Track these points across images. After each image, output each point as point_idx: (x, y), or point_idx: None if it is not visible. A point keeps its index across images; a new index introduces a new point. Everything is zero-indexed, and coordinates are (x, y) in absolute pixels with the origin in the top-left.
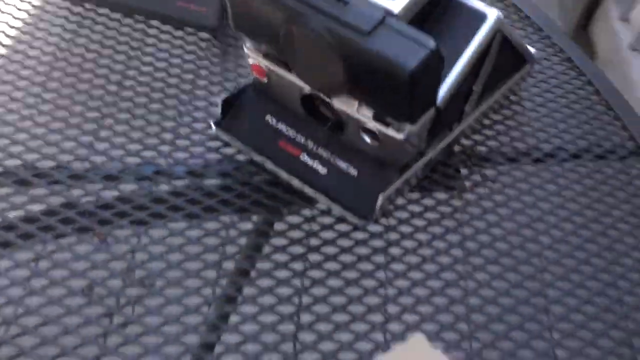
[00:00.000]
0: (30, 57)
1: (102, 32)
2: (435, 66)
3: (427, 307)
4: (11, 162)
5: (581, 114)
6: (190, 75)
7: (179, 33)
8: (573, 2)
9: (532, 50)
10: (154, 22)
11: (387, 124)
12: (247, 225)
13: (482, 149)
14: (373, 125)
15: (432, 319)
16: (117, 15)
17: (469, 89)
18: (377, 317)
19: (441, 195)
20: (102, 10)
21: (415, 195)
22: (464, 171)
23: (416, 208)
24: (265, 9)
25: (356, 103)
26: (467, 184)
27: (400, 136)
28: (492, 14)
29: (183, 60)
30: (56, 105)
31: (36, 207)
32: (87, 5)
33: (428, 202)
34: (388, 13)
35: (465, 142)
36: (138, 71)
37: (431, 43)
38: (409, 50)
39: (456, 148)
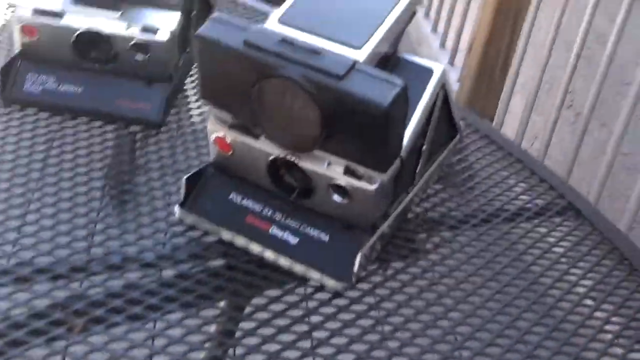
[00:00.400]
0: None
1: (46, 134)
2: (405, 104)
3: None
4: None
5: (509, 179)
6: (144, 165)
7: (124, 131)
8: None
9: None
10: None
11: (358, 177)
12: (222, 304)
13: (434, 214)
14: (344, 180)
15: None
16: (57, 119)
17: (420, 148)
18: None
19: (407, 259)
20: (43, 115)
21: (383, 257)
22: (421, 235)
23: (388, 272)
24: (237, 68)
25: (326, 160)
26: (429, 246)
27: (372, 187)
28: (439, 68)
29: (134, 155)
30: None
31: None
32: (29, 111)
33: (396, 265)
34: (356, 61)
35: (416, 209)
36: (89, 167)
37: (400, 82)
38: (382, 89)
39: (409, 215)
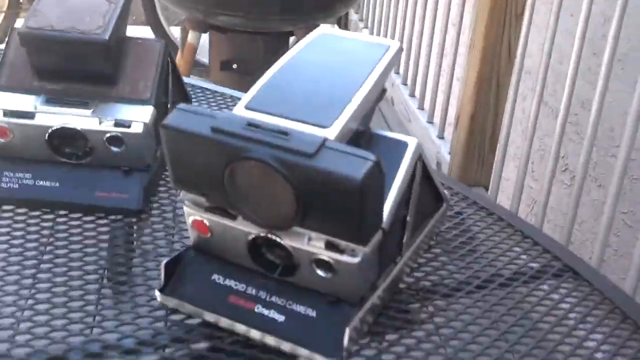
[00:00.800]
0: None
1: (24, 228)
2: (379, 177)
3: None
4: None
5: (502, 244)
6: (123, 251)
7: (104, 220)
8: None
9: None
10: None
11: (340, 251)
12: None
13: (427, 283)
14: (326, 255)
15: None
16: (36, 212)
17: (403, 219)
18: None
19: (400, 330)
20: (21, 210)
21: (375, 329)
22: (415, 305)
23: (380, 344)
24: (206, 154)
25: (306, 236)
26: (423, 315)
27: (355, 260)
28: (413, 142)
29: (112, 242)
30: None
31: None
32: (5, 207)
33: (390, 337)
34: (326, 138)
35: (407, 279)
36: (66, 258)
37: (372, 156)
38: (354, 164)
39: (400, 285)
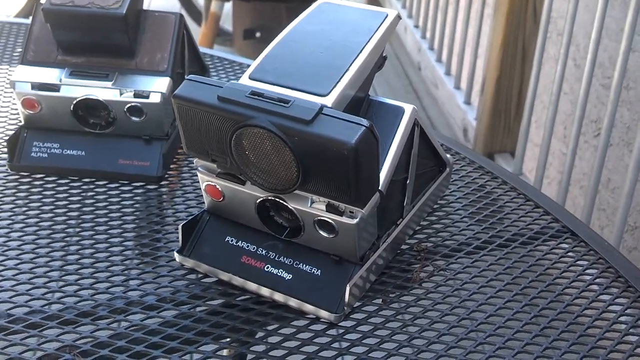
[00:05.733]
0: None
1: (54, 195)
2: (373, 142)
3: None
4: None
5: (504, 207)
6: (145, 215)
7: (127, 187)
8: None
9: (447, 156)
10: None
11: (340, 213)
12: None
13: (428, 244)
14: (327, 216)
15: None
16: (65, 180)
17: (403, 182)
18: None
19: (401, 288)
20: (50, 178)
21: (377, 287)
22: (415, 265)
23: (381, 300)
24: (213, 122)
25: (309, 198)
26: (422, 274)
27: (353, 222)
28: (409, 108)
29: (134, 207)
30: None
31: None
32: (36, 175)
33: (391, 294)
34: (324, 106)
35: (410, 241)
36: (93, 222)
37: (365, 122)
38: (347, 130)
39: (403, 247)
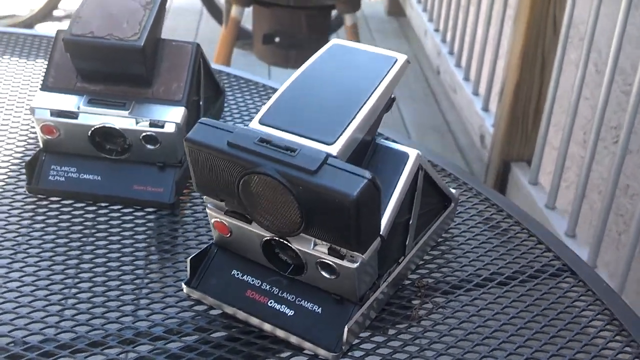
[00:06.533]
0: None
1: (69, 219)
2: (374, 193)
3: None
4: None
5: (507, 242)
6: (156, 243)
7: (141, 213)
8: (484, 174)
9: (453, 191)
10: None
11: (341, 257)
12: None
13: (430, 280)
14: (329, 259)
15: None
16: (81, 204)
17: (406, 223)
18: None
19: (399, 325)
20: (67, 201)
21: (377, 324)
22: (415, 302)
23: (380, 338)
24: (223, 166)
25: (312, 241)
26: (421, 312)
27: (353, 266)
28: (413, 153)
29: (146, 234)
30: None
31: None
32: (53, 198)
33: (390, 331)
34: (329, 155)
35: (412, 276)
36: (106, 249)
37: (368, 174)
38: (350, 182)
39: (405, 282)
